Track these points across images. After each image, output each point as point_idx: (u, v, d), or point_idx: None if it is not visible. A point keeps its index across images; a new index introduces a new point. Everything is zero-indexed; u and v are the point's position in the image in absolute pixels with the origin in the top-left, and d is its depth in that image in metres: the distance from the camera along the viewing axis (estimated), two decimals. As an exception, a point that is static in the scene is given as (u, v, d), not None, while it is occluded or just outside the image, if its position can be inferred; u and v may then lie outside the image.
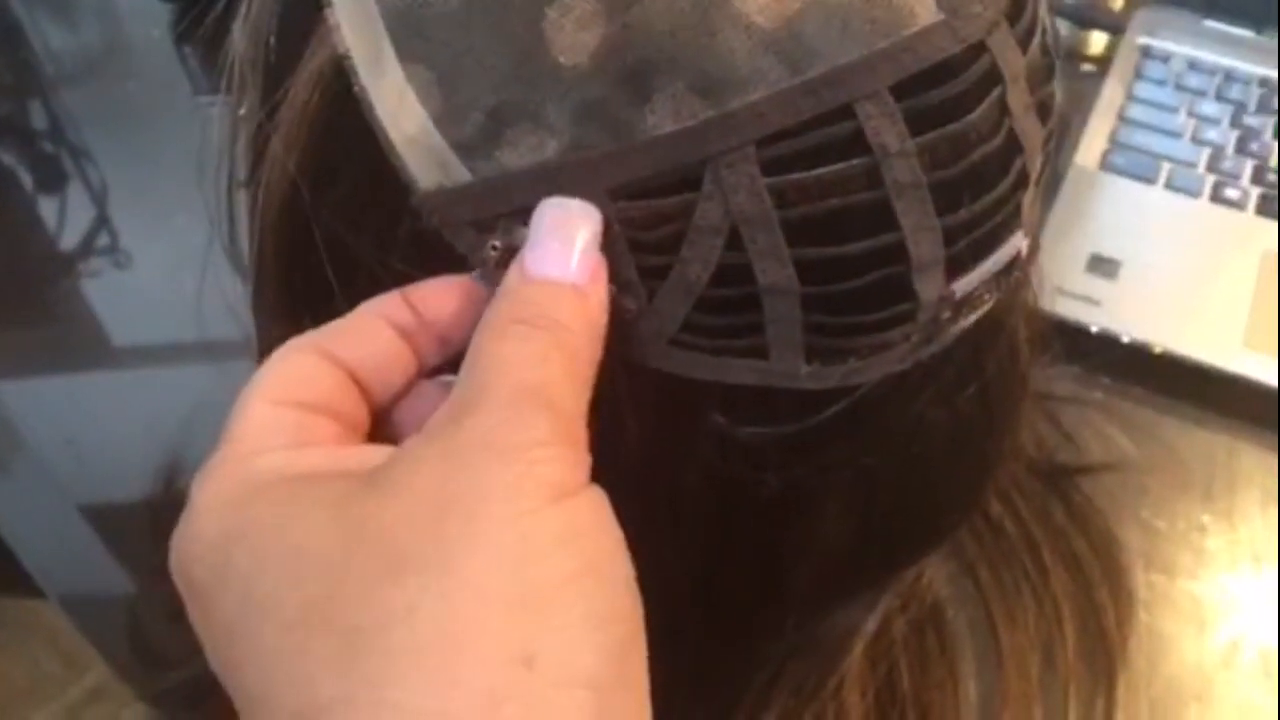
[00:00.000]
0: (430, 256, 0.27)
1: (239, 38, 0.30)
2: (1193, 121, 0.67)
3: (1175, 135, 0.66)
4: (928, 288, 0.27)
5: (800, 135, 0.24)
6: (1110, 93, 0.68)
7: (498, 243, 0.25)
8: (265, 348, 0.32)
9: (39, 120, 0.79)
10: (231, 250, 0.33)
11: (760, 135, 0.24)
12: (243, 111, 0.30)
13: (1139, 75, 0.69)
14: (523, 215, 0.25)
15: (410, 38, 0.25)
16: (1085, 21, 0.76)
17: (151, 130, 0.76)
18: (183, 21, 0.79)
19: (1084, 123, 0.67)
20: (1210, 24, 0.72)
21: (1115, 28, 0.74)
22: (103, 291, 0.70)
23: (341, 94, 0.26)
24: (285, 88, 0.27)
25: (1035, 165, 0.28)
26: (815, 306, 0.26)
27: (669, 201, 0.25)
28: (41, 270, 0.72)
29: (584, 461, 0.24)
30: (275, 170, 0.28)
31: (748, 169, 0.24)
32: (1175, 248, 0.62)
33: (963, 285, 0.28)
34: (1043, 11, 0.28)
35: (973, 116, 0.26)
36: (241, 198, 0.31)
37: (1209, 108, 0.67)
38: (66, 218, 0.73)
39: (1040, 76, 0.28)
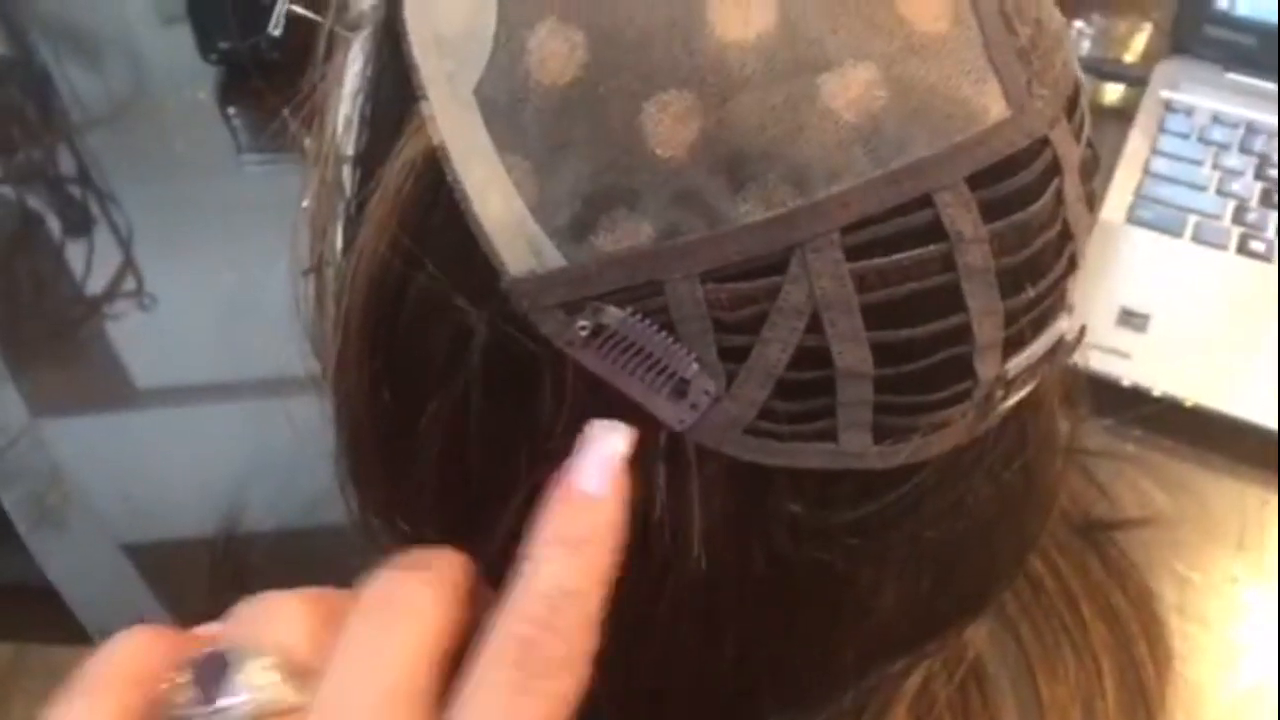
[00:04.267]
0: (512, 341, 0.28)
1: (330, 127, 0.30)
2: (1217, 174, 0.68)
3: (1200, 188, 0.67)
4: (986, 367, 0.28)
5: (881, 222, 0.25)
6: (1134, 146, 0.69)
7: (586, 323, 0.26)
8: (346, 427, 0.33)
9: (68, 166, 0.81)
10: (315, 334, 0.34)
11: (846, 223, 0.25)
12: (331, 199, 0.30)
13: (1162, 129, 0.70)
14: (611, 297, 0.26)
15: (508, 131, 0.26)
16: (1106, 74, 0.77)
17: (186, 181, 0.78)
18: (229, 81, 0.81)
19: (1109, 176, 0.68)
20: (1232, 76, 0.73)
21: (1136, 80, 0.75)
22: (127, 333, 0.71)
23: (433, 184, 0.27)
24: (377, 178, 0.28)
25: (1083, 252, 0.30)
26: (885, 387, 0.27)
27: (755, 285, 0.26)
28: (67, 312, 0.73)
29: None
30: (364, 257, 0.29)
31: (832, 254, 0.25)
32: (1203, 300, 0.62)
33: (1014, 365, 0.29)
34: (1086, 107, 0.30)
35: (1036, 206, 0.27)
36: (327, 282, 0.32)
37: (1233, 160, 0.68)
38: (94, 261, 0.74)
39: (1089, 168, 0.30)
